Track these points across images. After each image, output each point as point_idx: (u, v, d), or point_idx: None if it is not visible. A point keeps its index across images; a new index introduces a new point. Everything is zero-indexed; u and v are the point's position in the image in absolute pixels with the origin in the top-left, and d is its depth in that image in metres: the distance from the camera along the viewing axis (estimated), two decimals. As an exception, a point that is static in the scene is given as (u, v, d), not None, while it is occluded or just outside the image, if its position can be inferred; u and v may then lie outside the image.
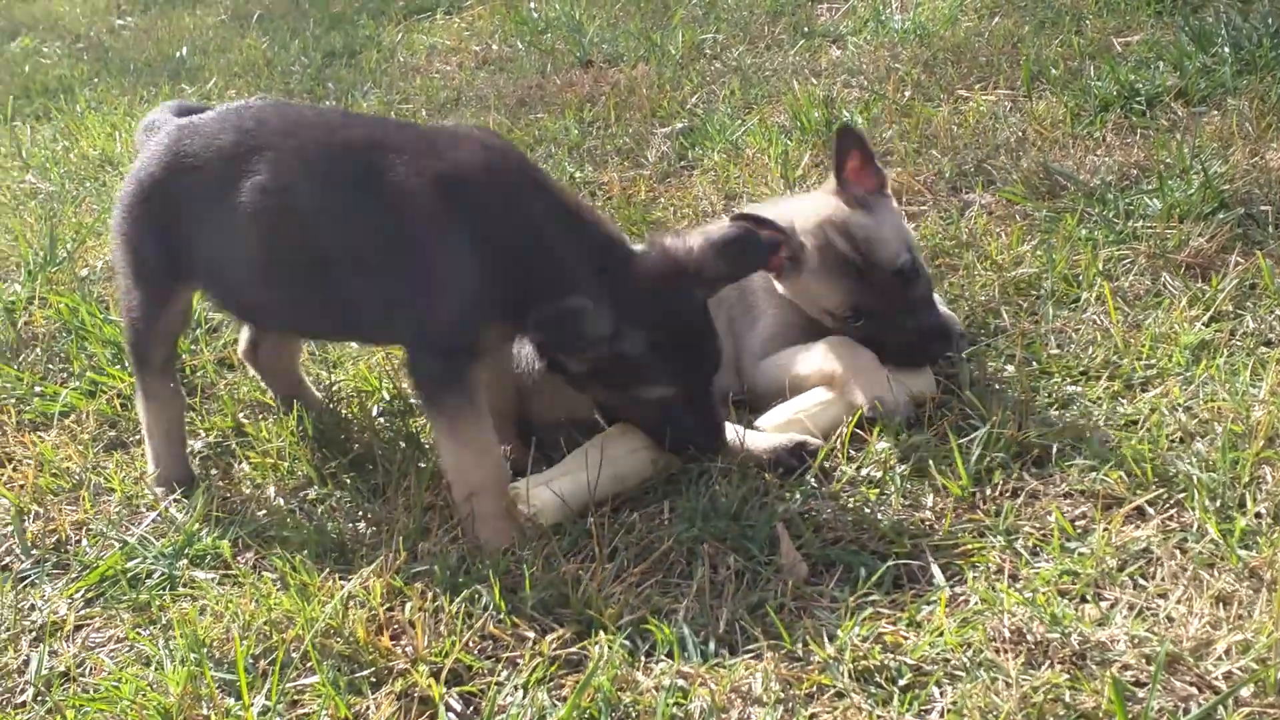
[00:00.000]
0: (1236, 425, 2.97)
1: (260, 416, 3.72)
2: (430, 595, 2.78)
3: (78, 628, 2.97)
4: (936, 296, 3.60)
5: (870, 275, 3.34)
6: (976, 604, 2.62)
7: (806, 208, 3.45)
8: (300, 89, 7.37)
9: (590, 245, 3.03)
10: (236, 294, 3.34)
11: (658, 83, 6.22)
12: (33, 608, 3.05)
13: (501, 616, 2.72)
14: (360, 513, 3.22)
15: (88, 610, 3.03)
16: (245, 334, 3.74)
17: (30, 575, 3.18)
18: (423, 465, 3.28)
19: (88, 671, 2.81)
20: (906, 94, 5.53)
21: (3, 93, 8.32)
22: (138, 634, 2.86)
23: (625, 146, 5.50)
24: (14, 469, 3.58)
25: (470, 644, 2.69)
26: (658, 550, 2.87)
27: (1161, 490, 2.86)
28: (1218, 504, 2.78)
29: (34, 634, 2.95)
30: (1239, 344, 3.37)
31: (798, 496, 3.01)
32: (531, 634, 2.68)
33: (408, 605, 2.76)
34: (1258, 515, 2.72)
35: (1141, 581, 2.63)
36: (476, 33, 7.99)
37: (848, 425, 3.19)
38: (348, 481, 3.35)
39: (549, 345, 2.97)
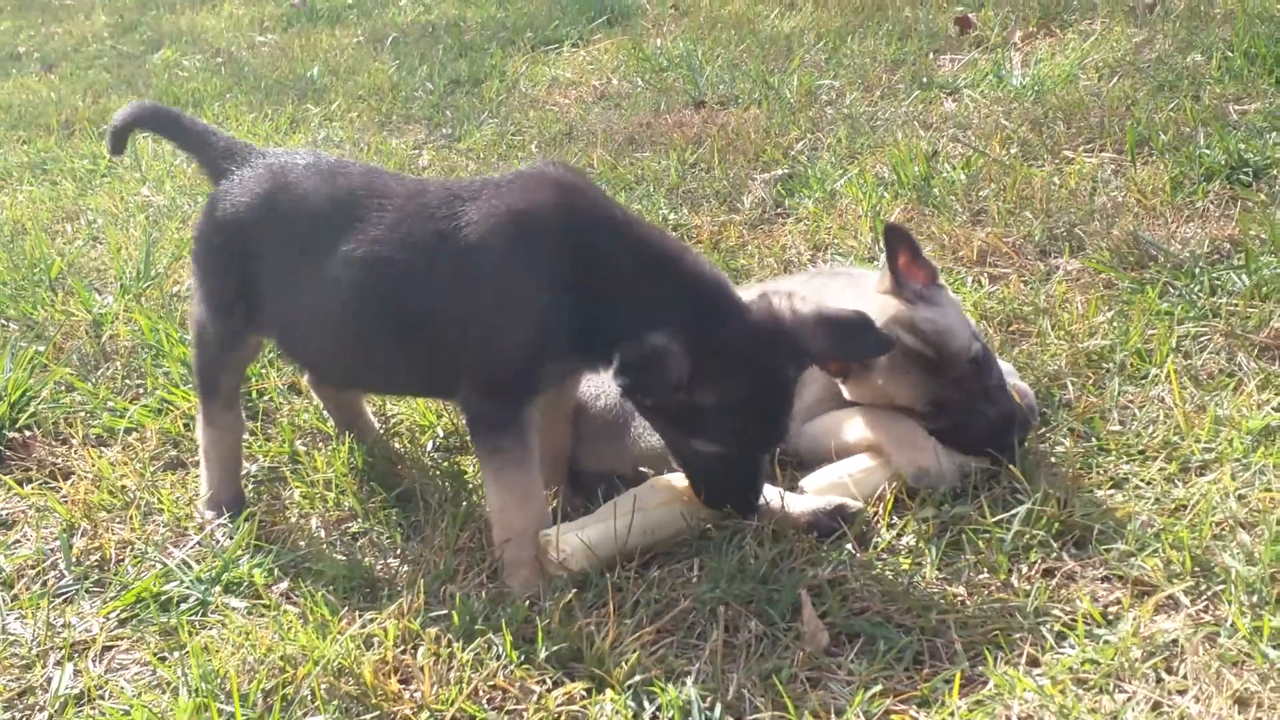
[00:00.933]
0: (1285, 518, 2.88)
1: (317, 445, 3.76)
2: (445, 641, 2.79)
3: (107, 648, 3.03)
4: (1009, 366, 3.55)
5: (945, 369, 3.28)
6: (991, 688, 2.56)
7: (869, 308, 3.37)
8: (420, 115, 7.47)
9: (674, 285, 2.98)
10: (305, 349, 3.41)
11: (766, 127, 6.21)
12: (66, 625, 3.10)
13: (511, 668, 2.72)
14: (396, 550, 3.25)
15: (120, 631, 3.08)
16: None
17: (70, 592, 3.24)
18: (462, 505, 3.28)
19: (108, 694, 2.86)
20: (1013, 150, 5.45)
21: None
22: (160, 660, 2.90)
23: (723, 190, 5.49)
24: (71, 485, 3.66)
25: (480, 692, 2.69)
26: (676, 609, 2.85)
27: (1198, 581, 2.78)
28: (1254, 598, 2.69)
29: (62, 652, 3.00)
30: (1307, 432, 3.26)
31: (829, 562, 2.97)
32: (539, 688, 2.68)
33: (420, 650, 2.77)
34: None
35: (1164, 675, 2.56)
36: (600, 67, 8.03)
37: (890, 492, 3.15)
38: (391, 517, 3.38)
39: (632, 387, 2.95)
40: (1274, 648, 2.56)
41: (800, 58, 7.40)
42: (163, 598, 3.16)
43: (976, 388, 3.29)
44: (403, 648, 2.81)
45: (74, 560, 3.34)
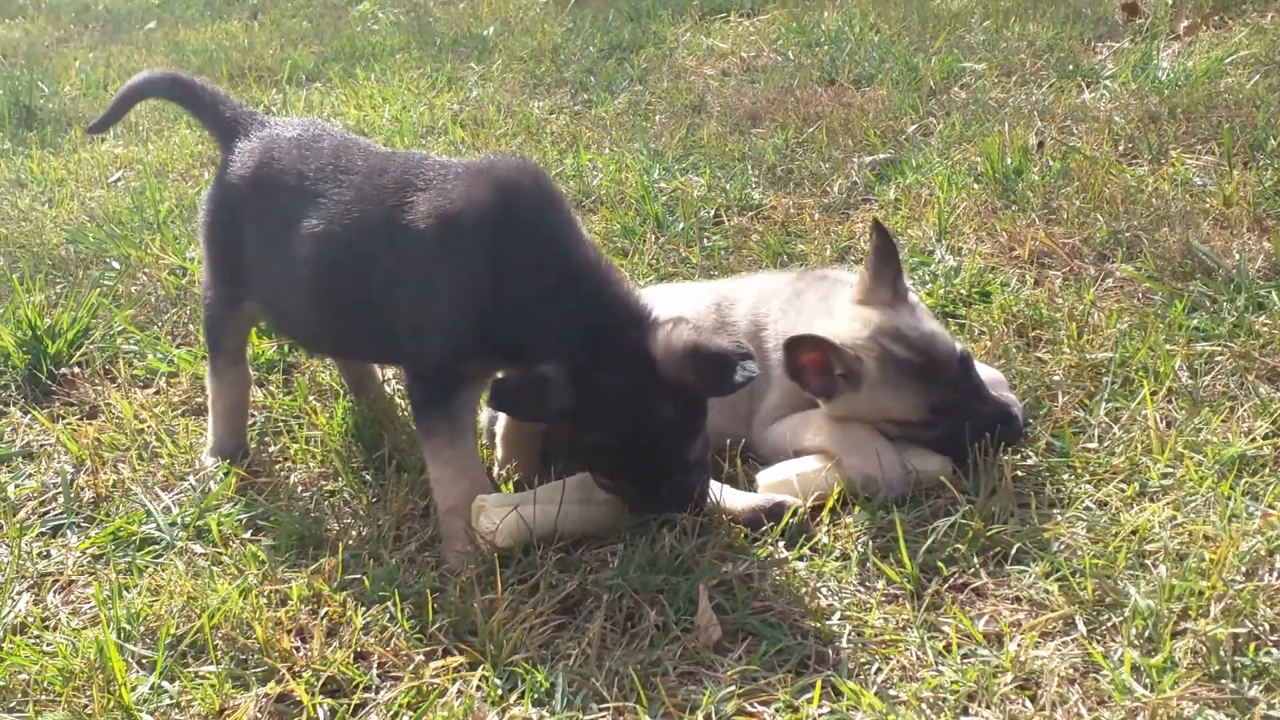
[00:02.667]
0: (1212, 553, 2.78)
1: (328, 402, 3.89)
2: (347, 604, 2.89)
3: (72, 582, 3.19)
4: (999, 375, 3.49)
5: (937, 373, 3.23)
6: (845, 701, 2.55)
7: (846, 324, 3.31)
8: (572, 79, 7.56)
9: (578, 315, 2.99)
10: (280, 316, 3.57)
11: (884, 109, 6.12)
12: (42, 556, 3.29)
13: (402, 636, 2.79)
14: (354, 511, 3.35)
15: (92, 566, 3.25)
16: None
17: (61, 525, 3.43)
18: (422, 475, 3.37)
19: (53, 627, 3.01)
20: (1120, 148, 5.29)
21: (318, 55, 8.84)
22: (104, 599, 3.05)
23: (819, 172, 5.45)
24: (90, 423, 3.86)
25: (370, 657, 2.78)
26: (563, 592, 2.89)
27: (1099, 610, 2.71)
28: (1146, 633, 2.61)
29: (31, 582, 3.19)
30: (1285, 464, 3.14)
31: (746, 560, 2.97)
32: (420, 657, 2.75)
33: (323, 611, 2.87)
34: (1171, 660, 2.54)
35: (1022, 705, 2.50)
36: (759, 38, 8.00)
37: (831, 497, 3.13)
38: (367, 479, 3.49)
39: (511, 414, 3.02)
40: (1144, 685, 2.48)
41: (947, 38, 7.25)
42: (136, 538, 3.31)
43: (969, 387, 3.24)
44: (311, 606, 2.91)
45: (73, 496, 3.51)
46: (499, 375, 3.08)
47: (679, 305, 3.53)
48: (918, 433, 3.27)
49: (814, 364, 3.23)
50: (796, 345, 3.21)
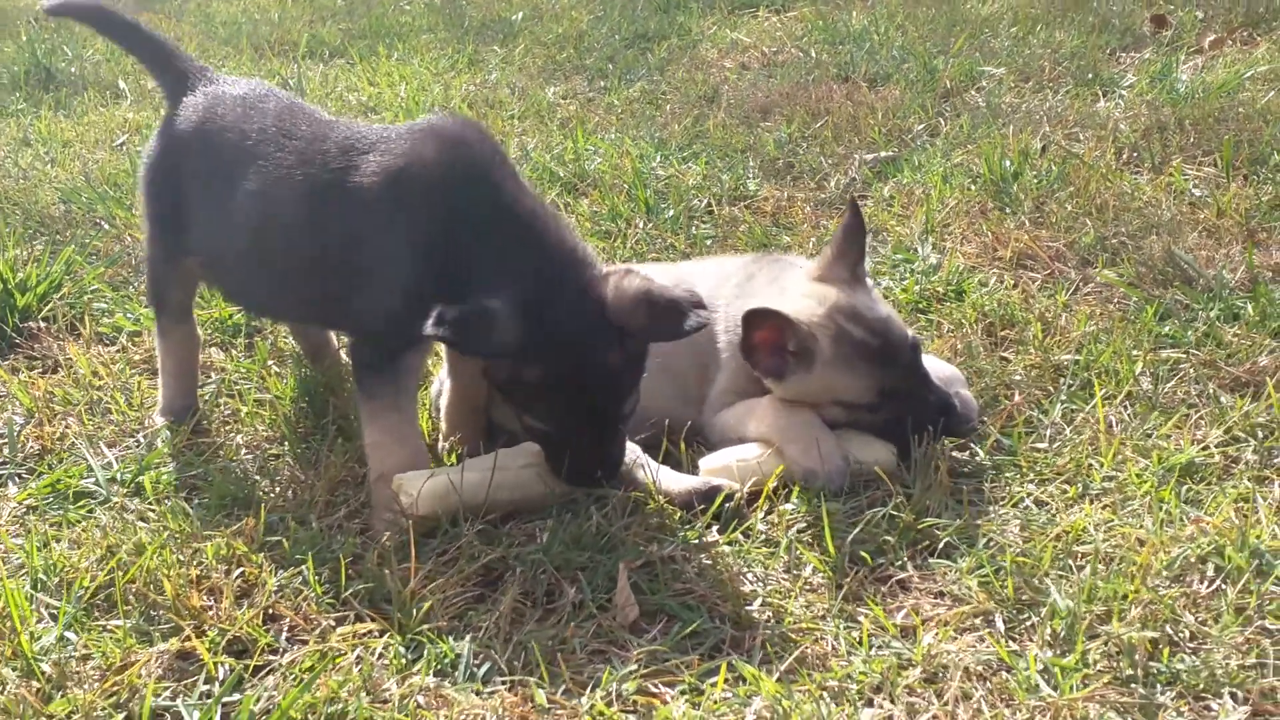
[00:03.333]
0: (1140, 556, 2.72)
1: (286, 367, 3.88)
2: (262, 565, 2.87)
3: (5, 533, 3.17)
4: (957, 372, 3.44)
5: (892, 356, 3.19)
6: (747, 686, 2.50)
7: (802, 299, 3.27)
8: (592, 66, 7.52)
9: (525, 255, 2.97)
10: (224, 276, 3.52)
11: (894, 108, 6.06)
12: (-22, 507, 3.28)
13: (308, 600, 2.77)
14: (290, 475, 3.33)
15: (27, 517, 3.23)
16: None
17: (0, 475, 3.42)
18: (357, 442, 3.35)
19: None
20: (1125, 156, 5.22)
21: (345, 32, 8.84)
22: (16, 546, 3.04)
23: (819, 167, 5.40)
24: (45, 377, 3.86)
25: (279, 619, 2.75)
26: (477, 564, 2.86)
27: (1020, 609, 2.66)
28: (1062, 633, 2.56)
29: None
30: (1234, 473, 3.07)
31: (672, 542, 2.92)
32: (330, 623, 2.73)
33: (234, 573, 2.85)
34: (1083, 662, 2.49)
35: (928, 700, 2.45)
36: (784, 34, 7.95)
37: (767, 484, 3.09)
38: (312, 444, 3.46)
39: (451, 343, 2.97)
40: (1052, 685, 2.43)
41: (969, 41, 7.18)
42: (71, 492, 3.30)
43: (919, 375, 3.20)
44: (227, 566, 2.89)
45: (17, 447, 3.50)
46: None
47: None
48: (862, 416, 3.22)
49: (767, 342, 3.18)
50: (753, 318, 3.16)
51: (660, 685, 2.54)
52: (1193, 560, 2.73)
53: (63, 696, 2.50)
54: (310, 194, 3.15)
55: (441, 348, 3.42)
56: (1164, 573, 2.70)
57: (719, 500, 3.03)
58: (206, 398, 3.75)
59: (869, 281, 3.33)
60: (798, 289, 3.30)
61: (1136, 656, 2.48)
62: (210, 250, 3.43)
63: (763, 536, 2.99)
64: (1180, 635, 2.56)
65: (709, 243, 4.67)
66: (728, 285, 3.46)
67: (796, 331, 3.17)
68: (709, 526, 3.01)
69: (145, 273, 3.72)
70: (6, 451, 3.49)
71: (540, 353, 2.89)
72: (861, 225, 3.30)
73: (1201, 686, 2.43)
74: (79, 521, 3.15)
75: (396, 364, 3.09)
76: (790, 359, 3.21)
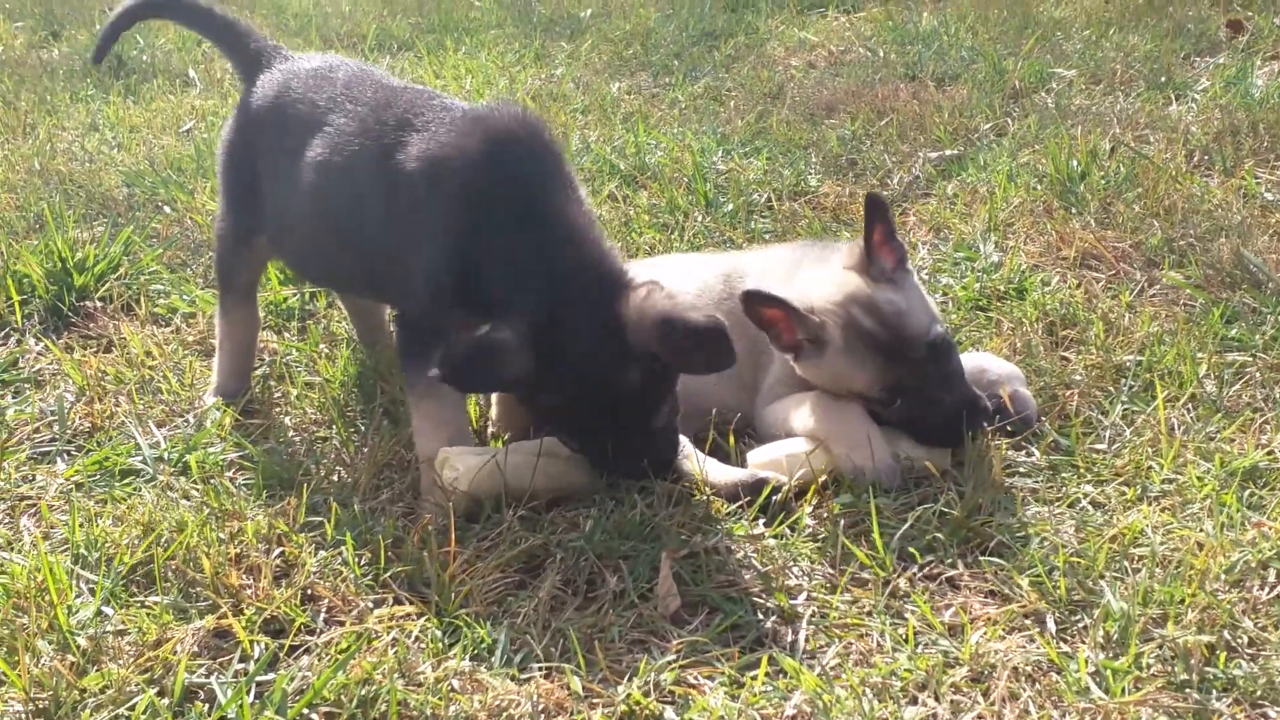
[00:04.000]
0: (1198, 560, 2.64)
1: (339, 350, 3.86)
2: (308, 547, 2.84)
3: (50, 507, 3.16)
4: (1015, 370, 3.36)
5: (902, 352, 3.11)
6: (788, 679, 2.45)
7: (825, 285, 3.20)
8: (658, 63, 7.47)
9: (552, 273, 2.91)
10: (289, 245, 3.50)
11: (962, 107, 5.98)
12: (28, 481, 3.27)
13: (347, 581, 2.75)
14: (339, 458, 3.30)
15: (72, 493, 3.21)
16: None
17: (50, 452, 3.41)
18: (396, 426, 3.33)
19: (18, 549, 2.98)
20: (1195, 159, 5.12)
21: (415, 26, 8.84)
22: (61, 522, 3.03)
23: (883, 164, 5.33)
24: (102, 353, 3.86)
25: (317, 599, 2.73)
26: (517, 549, 2.82)
27: (1073, 610, 2.60)
28: (1114, 636, 2.49)
29: (7, 505, 3.16)
30: (1299, 479, 2.99)
31: (717, 533, 2.87)
32: (369, 604, 2.70)
33: (274, 552, 2.82)
34: (1137, 665, 2.42)
35: (974, 699, 2.39)
36: (856, 33, 7.88)
37: (816, 479, 3.04)
38: (362, 427, 3.44)
39: (458, 387, 2.95)
40: (1103, 688, 2.36)
41: (1040, 42, 7.08)
42: (118, 469, 3.29)
43: (934, 374, 3.11)
44: (268, 546, 2.86)
45: (68, 425, 3.50)
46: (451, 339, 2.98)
47: (689, 276, 3.46)
48: (878, 409, 3.15)
49: (781, 321, 3.13)
50: (752, 299, 3.12)
51: (699, 676, 2.50)
52: (1253, 565, 2.66)
53: (97, 671, 2.48)
54: (364, 163, 3.15)
55: None
56: (1223, 577, 2.62)
57: (765, 493, 2.97)
58: (259, 378, 3.73)
59: (912, 277, 3.24)
60: (827, 275, 3.24)
61: (1192, 661, 2.41)
62: (279, 225, 3.43)
63: (809, 531, 2.93)
64: (1238, 641, 2.49)
65: (767, 237, 4.62)
66: (778, 271, 3.41)
67: (802, 319, 3.12)
68: (755, 519, 2.95)
69: (214, 252, 3.71)
70: (56, 428, 3.48)
71: (555, 382, 2.86)
72: (885, 216, 3.20)
73: (1259, 693, 2.36)
74: (124, 499, 3.13)
75: (433, 350, 3.05)
76: (804, 342, 3.16)
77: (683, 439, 3.10)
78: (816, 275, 3.24)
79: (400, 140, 3.08)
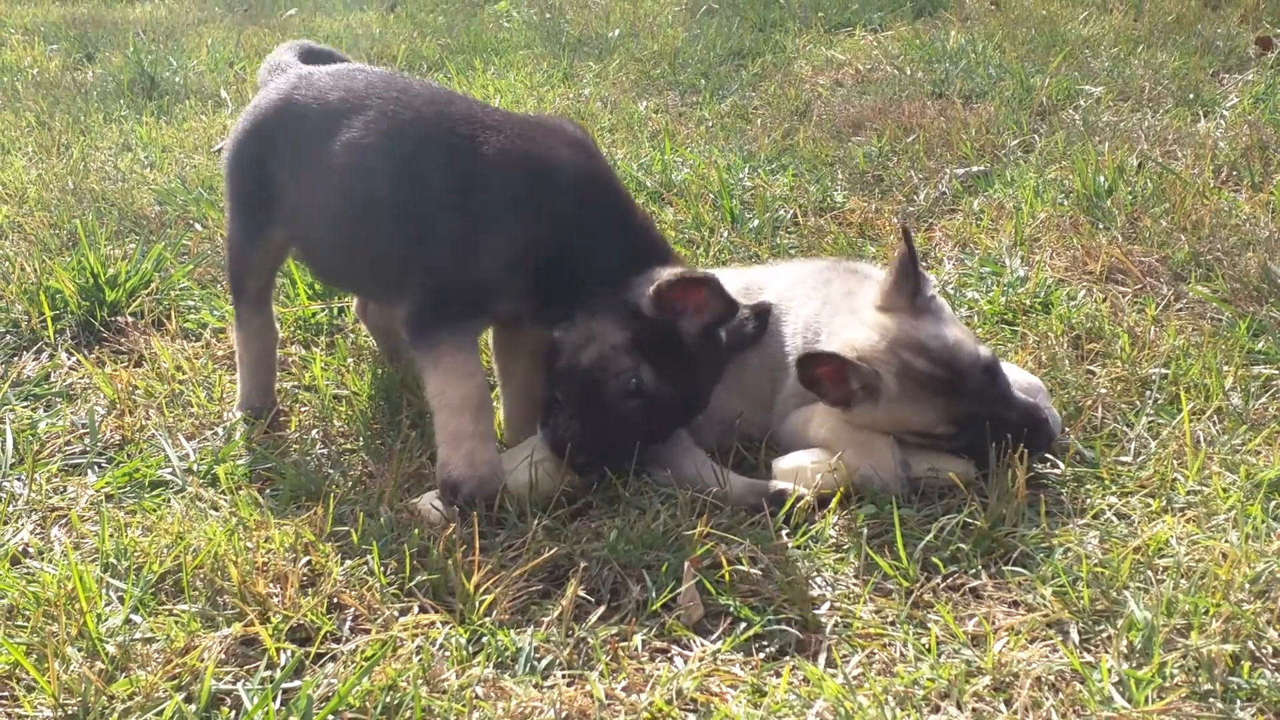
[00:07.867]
0: (1223, 570, 2.64)
1: (365, 364, 3.89)
2: (334, 556, 2.87)
3: (81, 518, 3.18)
4: (1040, 383, 3.36)
5: (962, 385, 3.09)
6: (809, 689, 2.46)
7: (865, 331, 3.18)
8: (685, 82, 7.50)
9: (641, 251, 3.14)
10: (312, 243, 3.52)
11: (988, 124, 5.99)
12: (59, 492, 3.30)
13: (373, 590, 2.76)
14: (365, 469, 3.33)
15: (104, 505, 3.24)
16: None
17: (80, 464, 3.44)
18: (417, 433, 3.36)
19: (49, 559, 3.00)
20: (1224, 174, 5.12)
21: (444, 47, 8.89)
22: (91, 532, 3.06)
23: (909, 180, 5.34)
24: (132, 367, 3.90)
25: (343, 607, 2.75)
26: (540, 558, 2.83)
27: (1096, 620, 2.60)
28: (1138, 646, 2.49)
29: (39, 515, 3.19)
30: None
31: (740, 543, 2.88)
32: (394, 613, 2.72)
33: (302, 561, 2.84)
34: (1161, 674, 2.41)
35: (996, 708, 2.39)
36: (884, 51, 7.89)
37: (839, 489, 3.05)
38: (387, 440, 3.46)
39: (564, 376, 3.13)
40: (1126, 697, 2.36)
41: (1067, 59, 7.09)
42: (148, 481, 3.32)
43: (993, 395, 3.11)
44: (294, 555, 2.88)
45: (98, 436, 3.53)
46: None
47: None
48: (941, 443, 3.14)
49: (830, 376, 3.13)
50: (811, 360, 3.11)
51: (722, 685, 2.50)
52: (1278, 576, 2.65)
53: (125, 677, 2.51)
54: (428, 152, 3.24)
55: (489, 352, 3.53)
56: (1247, 587, 2.62)
57: (788, 504, 2.98)
58: (286, 390, 3.76)
59: (936, 300, 3.23)
60: (863, 317, 3.22)
61: (1215, 671, 2.41)
62: (299, 214, 3.47)
63: (832, 541, 2.94)
64: (1263, 651, 2.49)
65: (793, 252, 4.63)
66: (801, 287, 3.42)
67: (858, 371, 3.10)
68: (779, 530, 2.96)
69: (225, 259, 3.73)
70: (88, 441, 3.51)
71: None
72: (913, 256, 3.20)
73: (1282, 703, 2.35)
74: (153, 510, 3.16)
75: (462, 323, 3.16)
76: (855, 392, 3.15)
77: (699, 451, 3.17)
78: (848, 322, 3.23)
79: (476, 135, 3.21)
